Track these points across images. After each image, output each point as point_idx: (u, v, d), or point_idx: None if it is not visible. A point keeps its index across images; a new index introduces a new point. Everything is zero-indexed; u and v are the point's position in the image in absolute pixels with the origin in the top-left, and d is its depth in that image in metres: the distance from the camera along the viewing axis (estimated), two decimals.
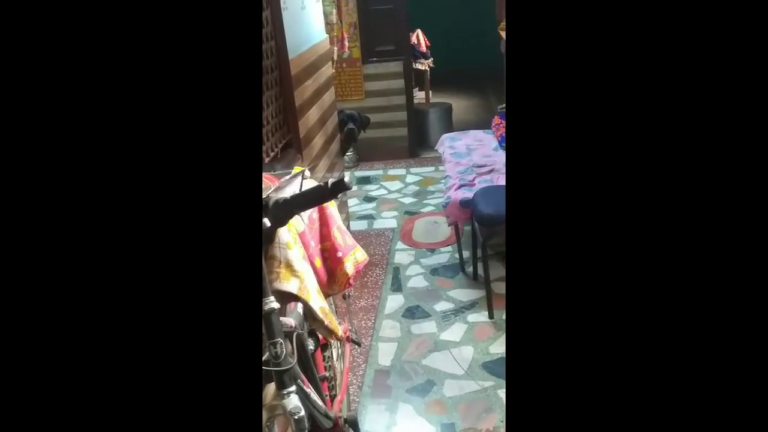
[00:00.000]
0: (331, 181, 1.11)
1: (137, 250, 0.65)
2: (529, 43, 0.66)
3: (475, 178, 3.08)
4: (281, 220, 1.18)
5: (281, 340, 1.17)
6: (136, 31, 0.64)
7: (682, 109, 0.62)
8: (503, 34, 4.62)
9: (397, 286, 3.09)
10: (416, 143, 5.15)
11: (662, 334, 0.64)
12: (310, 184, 1.27)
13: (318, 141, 2.87)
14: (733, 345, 0.62)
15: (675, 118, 0.62)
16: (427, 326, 2.72)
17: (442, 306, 2.87)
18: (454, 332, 2.65)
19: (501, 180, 3.00)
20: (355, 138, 4.57)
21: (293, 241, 1.47)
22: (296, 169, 1.46)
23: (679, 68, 0.62)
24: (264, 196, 1.18)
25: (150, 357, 0.66)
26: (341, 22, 4.27)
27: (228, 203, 0.69)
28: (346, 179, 1.11)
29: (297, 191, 1.20)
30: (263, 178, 1.41)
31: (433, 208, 4.03)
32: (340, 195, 1.17)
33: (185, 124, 0.67)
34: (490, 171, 3.14)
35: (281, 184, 1.25)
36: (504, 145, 3.45)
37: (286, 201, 1.16)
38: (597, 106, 0.64)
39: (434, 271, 3.21)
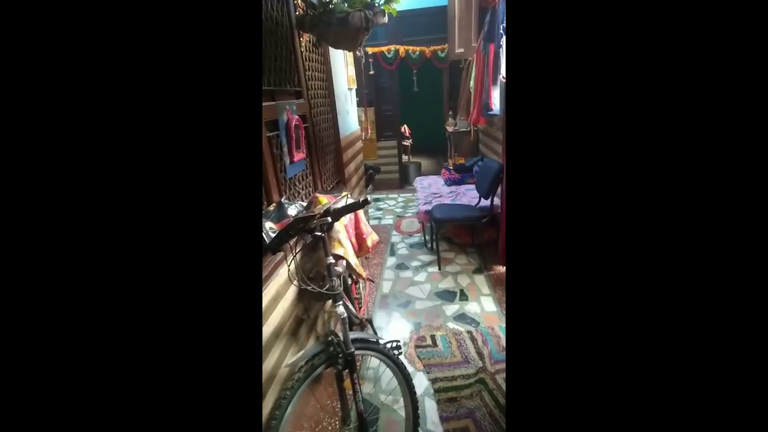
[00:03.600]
0: (361, 199, 1.14)
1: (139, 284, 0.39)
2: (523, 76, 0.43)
3: (432, 200, 3.10)
4: (336, 219, 1.20)
5: (336, 278, 1.19)
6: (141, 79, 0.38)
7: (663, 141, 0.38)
8: (447, 127, 4.63)
9: (392, 253, 3.07)
10: (403, 181, 5.13)
11: (654, 336, 0.38)
12: (350, 201, 1.31)
13: (354, 180, 2.89)
14: (713, 331, 0.38)
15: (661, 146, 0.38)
16: (407, 273, 2.70)
17: (415, 263, 2.85)
18: (421, 277, 2.64)
19: (444, 200, 3.01)
20: (373, 178, 4.56)
21: (342, 228, 1.52)
22: (343, 194, 1.52)
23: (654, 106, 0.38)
24: (327, 207, 1.20)
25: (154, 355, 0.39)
26: (366, 119, 4.30)
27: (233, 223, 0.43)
28: (369, 199, 1.14)
29: (344, 204, 1.23)
30: (327, 198, 1.46)
31: (411, 214, 4.00)
32: (365, 207, 1.19)
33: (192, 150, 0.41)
34: (440, 196, 3.17)
35: (336, 201, 1.28)
36: (447, 183, 3.48)
37: (338, 209, 1.18)
38: (584, 119, 0.41)
39: (411, 245, 3.19)
